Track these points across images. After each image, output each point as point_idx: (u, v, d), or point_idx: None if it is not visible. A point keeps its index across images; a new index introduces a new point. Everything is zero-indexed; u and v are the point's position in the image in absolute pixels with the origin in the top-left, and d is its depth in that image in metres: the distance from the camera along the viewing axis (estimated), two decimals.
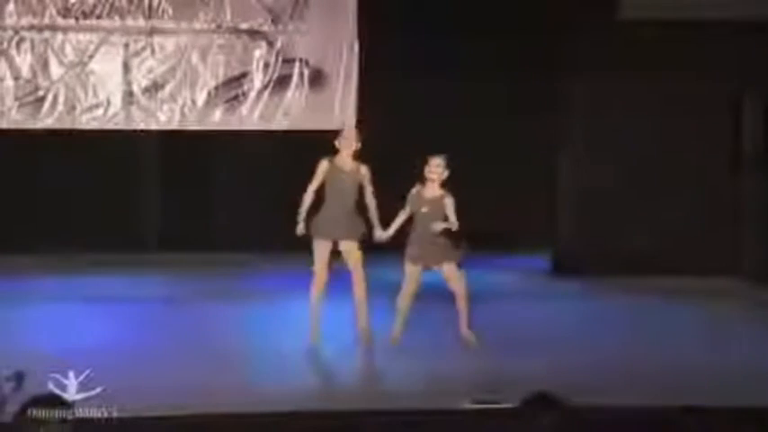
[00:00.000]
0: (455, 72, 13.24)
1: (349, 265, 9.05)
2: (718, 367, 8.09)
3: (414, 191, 8.94)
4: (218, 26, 13.32)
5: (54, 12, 13.05)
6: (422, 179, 8.91)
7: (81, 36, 13.15)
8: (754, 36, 11.82)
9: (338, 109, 13.42)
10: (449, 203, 8.82)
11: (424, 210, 8.86)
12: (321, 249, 9.01)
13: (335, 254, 9.08)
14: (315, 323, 8.96)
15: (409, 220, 8.96)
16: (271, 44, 13.39)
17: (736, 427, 6.62)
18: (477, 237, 11.10)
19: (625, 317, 10.20)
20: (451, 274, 8.98)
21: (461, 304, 9.03)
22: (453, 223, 8.73)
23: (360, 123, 12.18)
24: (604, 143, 12.31)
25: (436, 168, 8.85)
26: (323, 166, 9.01)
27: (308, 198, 9.06)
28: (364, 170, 9.05)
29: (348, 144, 9.08)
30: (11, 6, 12.98)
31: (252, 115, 13.39)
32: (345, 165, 9.05)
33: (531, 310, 10.83)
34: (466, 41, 13.10)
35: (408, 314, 8.97)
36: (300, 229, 9.04)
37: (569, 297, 11.09)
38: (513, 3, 13.10)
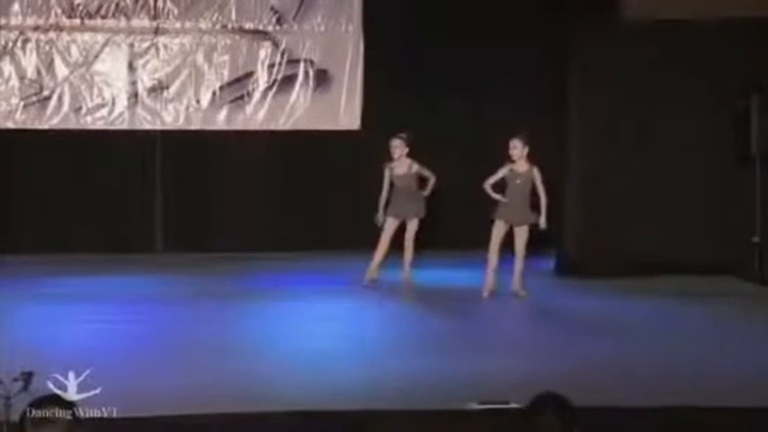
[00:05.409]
0: (456, 72, 13.25)
1: (408, 233, 11.30)
2: (724, 368, 8.05)
3: (507, 169, 10.76)
4: (224, 26, 13.34)
5: (59, 12, 13.08)
6: (507, 158, 10.77)
7: (86, 36, 13.18)
8: (761, 34, 11.83)
9: (343, 109, 13.45)
10: (536, 174, 10.74)
11: (518, 181, 10.74)
12: (392, 226, 11.30)
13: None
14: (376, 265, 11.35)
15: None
16: (276, 44, 13.41)
17: (737, 428, 6.61)
18: (480, 238, 11.19)
19: (630, 317, 10.17)
20: (522, 232, 10.81)
21: (519, 264, 10.85)
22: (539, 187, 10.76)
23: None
24: (610, 143, 12.28)
25: (513, 150, 10.73)
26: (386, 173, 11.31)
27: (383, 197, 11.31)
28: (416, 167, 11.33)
29: (398, 152, 11.26)
30: (16, 6, 13.00)
31: (256, 115, 13.41)
32: (403, 165, 11.30)
33: (535, 310, 10.83)
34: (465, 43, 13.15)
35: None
36: (380, 216, 11.27)
37: (573, 297, 11.06)
38: (515, 4, 13.13)
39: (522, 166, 10.80)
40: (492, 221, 10.82)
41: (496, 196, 10.79)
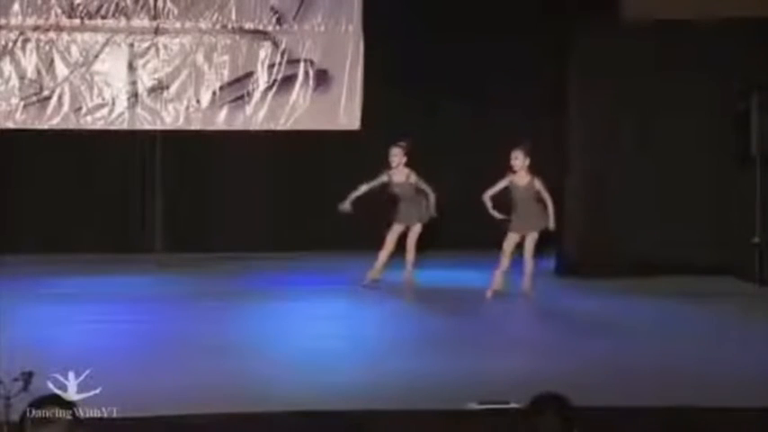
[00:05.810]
0: (456, 71, 13.24)
1: (411, 236, 11.38)
2: (724, 368, 8.06)
3: (507, 180, 10.80)
4: (224, 26, 13.33)
5: (59, 12, 13.07)
6: (509, 169, 10.80)
7: (86, 36, 13.17)
8: (761, 34, 11.84)
9: (343, 109, 13.44)
10: (539, 185, 10.77)
11: (520, 193, 10.78)
12: (397, 231, 11.42)
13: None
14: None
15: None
16: (276, 44, 13.40)
17: (737, 428, 6.61)
18: (480, 238, 11.20)
19: (630, 317, 10.17)
20: (531, 238, 10.90)
21: (528, 264, 10.91)
22: (546, 198, 10.85)
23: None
24: (610, 143, 12.29)
25: (515, 160, 10.76)
26: (383, 178, 11.35)
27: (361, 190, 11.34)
28: (413, 177, 11.34)
29: (396, 160, 11.28)
30: (16, 6, 12.99)
31: (256, 115, 13.40)
32: (401, 174, 11.33)
33: (536, 310, 10.84)
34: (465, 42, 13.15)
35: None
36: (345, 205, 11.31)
37: (573, 297, 11.07)
38: (515, 4, 13.12)
39: (522, 178, 10.85)
40: (505, 232, 10.87)
41: (497, 215, 10.80)
